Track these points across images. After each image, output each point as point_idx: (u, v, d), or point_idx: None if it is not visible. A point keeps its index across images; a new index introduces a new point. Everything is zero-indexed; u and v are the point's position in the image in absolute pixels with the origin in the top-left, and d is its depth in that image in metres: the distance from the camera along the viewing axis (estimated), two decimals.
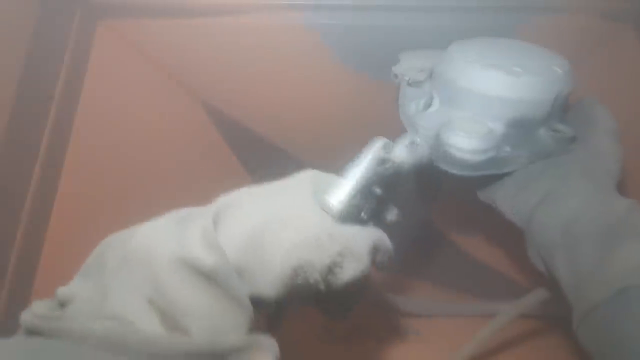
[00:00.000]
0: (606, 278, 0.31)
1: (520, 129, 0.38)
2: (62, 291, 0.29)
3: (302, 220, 0.31)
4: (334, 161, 0.59)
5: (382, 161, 0.35)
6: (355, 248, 0.31)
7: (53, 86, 0.47)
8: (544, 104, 0.37)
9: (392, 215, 0.37)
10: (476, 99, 0.37)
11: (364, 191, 0.34)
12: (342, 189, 0.33)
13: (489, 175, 0.38)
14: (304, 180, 0.34)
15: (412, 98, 0.42)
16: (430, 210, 0.58)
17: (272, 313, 0.33)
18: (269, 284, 0.29)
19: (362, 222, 0.34)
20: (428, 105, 0.41)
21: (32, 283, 0.44)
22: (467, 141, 0.36)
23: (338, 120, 0.56)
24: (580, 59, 0.51)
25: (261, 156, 0.59)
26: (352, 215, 0.33)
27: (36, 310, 0.28)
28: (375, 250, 0.33)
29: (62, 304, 0.29)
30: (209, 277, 0.28)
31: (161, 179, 0.54)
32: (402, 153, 0.37)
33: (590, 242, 0.33)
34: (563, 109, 0.40)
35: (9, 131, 0.43)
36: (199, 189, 0.56)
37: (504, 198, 0.39)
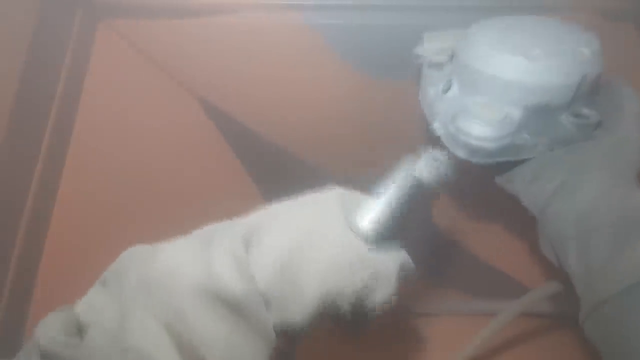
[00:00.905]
0: (617, 273, 0.30)
1: (541, 114, 0.36)
2: (82, 310, 0.28)
3: (333, 245, 0.30)
4: (334, 160, 0.59)
5: (415, 182, 0.34)
6: (384, 272, 0.31)
7: (54, 86, 0.47)
8: (567, 88, 0.35)
9: (407, 231, 0.36)
10: (493, 84, 0.36)
11: (394, 212, 0.33)
12: (374, 212, 0.32)
13: (505, 161, 0.37)
14: (331, 199, 0.33)
15: (432, 81, 0.40)
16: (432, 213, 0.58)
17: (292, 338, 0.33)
18: (299, 311, 0.29)
19: (387, 240, 0.33)
20: (447, 89, 0.39)
21: (33, 284, 0.44)
22: (482, 129, 0.35)
23: (339, 119, 0.56)
24: None
25: (262, 155, 0.59)
26: (380, 235, 0.32)
27: (52, 332, 0.27)
28: (402, 272, 0.33)
29: (80, 326, 0.28)
30: (235, 306, 0.27)
31: (161, 179, 0.54)
32: (426, 172, 0.35)
33: (604, 235, 0.32)
34: (591, 91, 0.37)
35: (9, 131, 0.43)
36: (199, 189, 0.56)
37: (520, 185, 0.38)
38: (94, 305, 0.29)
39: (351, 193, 0.34)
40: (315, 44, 0.52)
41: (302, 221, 0.31)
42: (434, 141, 0.38)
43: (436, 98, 0.39)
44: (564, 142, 0.36)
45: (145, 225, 0.50)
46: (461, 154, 0.36)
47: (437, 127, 0.38)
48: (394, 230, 0.33)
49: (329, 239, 0.30)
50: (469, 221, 0.57)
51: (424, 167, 0.35)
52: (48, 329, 0.28)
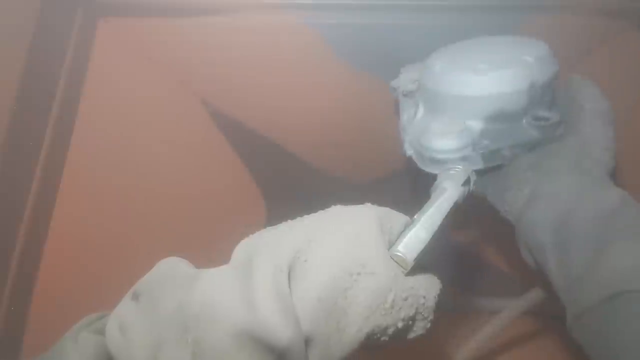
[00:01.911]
0: (597, 282, 0.30)
1: (500, 122, 0.38)
2: (113, 337, 0.27)
3: (376, 280, 0.28)
4: (334, 160, 0.59)
5: (455, 206, 0.33)
6: (425, 307, 0.30)
7: (54, 84, 0.47)
8: (518, 95, 0.38)
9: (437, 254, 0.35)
10: (450, 101, 0.39)
11: (435, 238, 0.31)
12: (417, 240, 0.30)
13: (477, 171, 0.39)
14: (369, 220, 0.30)
15: (405, 108, 0.44)
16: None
17: None
18: (340, 350, 0.28)
19: (423, 267, 0.32)
20: (415, 113, 0.43)
21: (33, 286, 0.44)
22: (442, 142, 0.38)
23: (339, 119, 0.56)
24: (580, 58, 0.52)
25: (262, 155, 0.59)
26: (418, 263, 0.31)
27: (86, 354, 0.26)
28: (439, 302, 0.31)
29: (113, 356, 0.27)
30: (274, 346, 0.25)
31: (162, 178, 0.54)
32: (462, 194, 0.36)
33: (581, 242, 0.32)
34: (546, 94, 0.39)
35: (10, 129, 0.43)
36: (200, 189, 0.56)
37: (493, 194, 0.39)
38: (124, 328, 0.27)
39: (388, 212, 0.32)
40: (315, 44, 0.52)
41: (341, 247, 0.29)
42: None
43: (408, 122, 0.43)
44: (528, 145, 0.38)
45: (146, 225, 0.50)
46: (429, 168, 0.39)
47: (407, 147, 0.41)
48: (430, 257, 0.32)
49: (370, 270, 0.28)
50: (468, 220, 0.57)
51: (462, 189, 0.35)
52: (79, 352, 0.27)
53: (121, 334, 0.27)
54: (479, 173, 0.39)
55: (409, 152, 0.41)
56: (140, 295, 0.28)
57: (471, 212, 0.55)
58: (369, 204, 0.32)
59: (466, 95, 0.38)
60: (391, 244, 0.30)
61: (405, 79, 0.46)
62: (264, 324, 0.25)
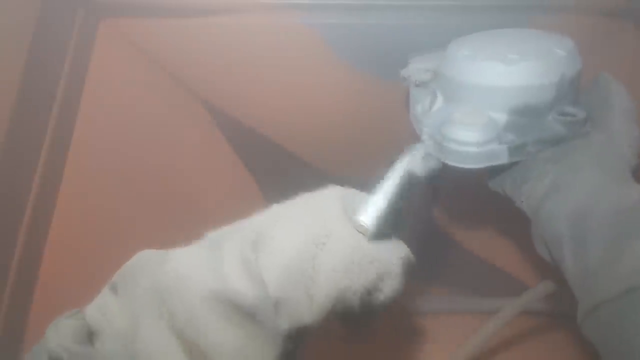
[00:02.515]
0: (615, 275, 0.30)
1: (526, 116, 0.37)
2: (92, 316, 0.28)
3: (339, 245, 0.30)
4: (335, 160, 0.59)
5: (409, 175, 0.35)
6: (391, 269, 0.31)
7: (55, 85, 0.47)
8: (547, 88, 0.36)
9: (403, 224, 0.37)
10: (475, 91, 0.37)
11: (393, 206, 0.33)
12: (375, 208, 0.33)
13: (498, 165, 0.37)
14: (333, 198, 0.33)
15: (419, 99, 0.42)
16: (431, 211, 0.58)
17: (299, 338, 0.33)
18: (310, 313, 0.29)
19: (387, 236, 0.34)
20: (432, 103, 0.41)
21: (33, 285, 0.44)
22: (466, 133, 0.36)
23: (339, 119, 0.56)
24: (585, 58, 0.51)
25: (262, 155, 0.60)
26: (381, 231, 0.33)
27: (63, 338, 0.27)
28: (405, 267, 0.33)
29: (91, 332, 0.28)
30: (245, 309, 0.27)
31: (163, 178, 0.54)
32: (418, 165, 0.36)
33: (600, 236, 0.32)
34: (574, 89, 0.38)
35: (10, 130, 0.43)
36: (200, 189, 0.56)
37: (512, 187, 0.39)
38: (104, 310, 0.29)
39: (351, 191, 0.34)
40: (315, 44, 0.52)
41: (306, 222, 0.31)
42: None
43: (423, 113, 0.41)
44: (554, 141, 0.37)
45: (147, 225, 0.50)
46: (450, 161, 0.37)
47: (425, 139, 0.39)
48: (395, 225, 0.34)
49: (334, 238, 0.30)
50: (468, 221, 0.57)
51: (416, 160, 0.36)
52: (59, 333, 0.28)
53: (100, 313, 0.29)
54: (498, 168, 0.38)
55: (428, 143, 0.39)
56: (117, 284, 0.30)
57: (474, 210, 0.55)
58: (332, 185, 0.34)
59: (492, 85, 0.36)
60: (353, 216, 0.32)
61: (418, 69, 0.44)
62: (230, 286, 0.27)
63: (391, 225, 0.34)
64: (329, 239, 0.30)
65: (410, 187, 0.35)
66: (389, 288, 0.31)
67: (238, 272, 0.28)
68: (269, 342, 0.28)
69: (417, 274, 0.34)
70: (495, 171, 0.40)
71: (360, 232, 0.32)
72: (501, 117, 0.37)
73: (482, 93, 0.37)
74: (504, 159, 0.37)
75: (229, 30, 0.52)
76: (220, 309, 0.27)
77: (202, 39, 0.52)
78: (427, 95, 0.42)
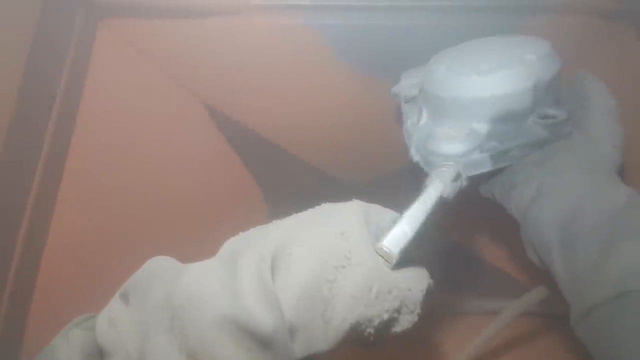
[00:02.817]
0: (604, 280, 0.30)
1: (507, 122, 0.38)
2: (102, 328, 0.28)
3: (360, 271, 0.29)
4: (335, 160, 0.59)
5: (441, 201, 0.33)
6: (411, 300, 0.30)
7: (54, 86, 0.47)
8: (524, 94, 0.37)
9: (426, 249, 0.35)
10: (454, 105, 0.39)
11: (420, 233, 0.31)
12: (402, 235, 0.31)
13: (486, 172, 0.38)
14: (355, 216, 0.31)
15: (409, 114, 0.44)
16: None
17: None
18: (325, 340, 0.28)
19: (410, 261, 0.32)
20: (419, 118, 0.42)
21: (33, 287, 0.44)
22: (448, 146, 0.37)
23: (340, 120, 0.57)
24: (580, 59, 0.52)
25: (263, 156, 0.60)
26: (406, 258, 0.31)
27: (74, 353, 0.27)
28: (426, 296, 0.32)
29: (101, 350, 0.28)
30: (259, 335, 0.26)
31: (162, 179, 0.54)
32: (447, 189, 0.35)
33: (587, 240, 0.32)
34: (554, 91, 0.39)
35: (10, 130, 0.43)
36: (201, 190, 0.56)
37: (501, 192, 0.39)
38: (114, 322, 0.28)
39: (374, 208, 0.32)
40: (315, 45, 0.52)
41: (327, 241, 0.29)
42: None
43: (412, 128, 0.42)
44: (537, 144, 0.38)
45: (147, 227, 0.50)
46: None
47: (413, 153, 0.40)
48: (418, 250, 0.32)
49: (355, 263, 0.29)
50: (468, 222, 0.57)
51: (447, 184, 0.34)
52: (69, 346, 0.27)
53: (110, 326, 0.28)
54: (488, 174, 0.39)
55: (416, 157, 0.40)
56: (128, 293, 0.29)
57: (474, 211, 0.55)
58: (356, 200, 0.32)
59: (469, 97, 0.38)
60: (377, 239, 0.30)
61: (407, 85, 0.45)
62: (248, 313, 0.26)
63: (415, 250, 0.32)
64: (349, 262, 0.29)
65: (437, 212, 0.33)
66: (406, 320, 0.30)
67: (254, 297, 0.26)
68: None
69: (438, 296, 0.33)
70: (485, 178, 0.41)
71: (383, 258, 0.30)
72: (482, 127, 0.38)
73: (462, 105, 0.38)
74: (487, 167, 0.38)
75: (228, 31, 0.52)
76: (235, 335, 0.26)
77: (201, 40, 0.52)
78: (415, 111, 0.43)
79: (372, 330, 0.29)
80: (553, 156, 0.37)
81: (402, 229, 0.31)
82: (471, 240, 0.59)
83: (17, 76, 0.44)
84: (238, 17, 0.51)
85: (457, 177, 0.35)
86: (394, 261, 0.30)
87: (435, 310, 0.57)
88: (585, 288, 0.31)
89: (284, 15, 0.51)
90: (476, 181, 0.40)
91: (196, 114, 0.56)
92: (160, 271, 0.29)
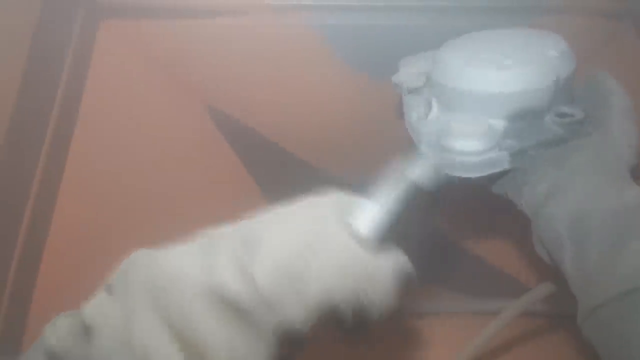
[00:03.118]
0: (614, 276, 0.30)
1: (524, 120, 0.37)
2: (89, 313, 0.29)
3: (332, 250, 0.30)
4: (335, 160, 0.59)
5: (410, 184, 0.34)
6: (384, 282, 0.31)
7: (55, 86, 0.47)
8: (544, 91, 0.36)
9: (405, 234, 0.36)
10: (471, 99, 0.37)
11: (391, 215, 0.33)
12: (371, 215, 0.32)
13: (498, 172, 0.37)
14: (330, 203, 0.33)
15: (413, 106, 0.41)
16: (434, 217, 0.58)
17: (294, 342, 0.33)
18: (300, 315, 0.29)
19: (386, 244, 0.33)
20: (428, 112, 0.40)
21: (34, 286, 0.44)
22: (466, 143, 0.36)
23: (340, 120, 0.57)
24: (581, 59, 0.51)
25: (262, 155, 0.60)
26: (378, 239, 0.32)
27: (61, 334, 0.28)
28: (400, 275, 0.33)
29: (88, 329, 0.29)
30: (237, 307, 0.28)
31: (163, 179, 0.54)
32: (420, 174, 0.35)
33: (599, 237, 0.32)
34: (569, 90, 0.38)
35: (11, 131, 0.43)
36: (201, 190, 0.56)
37: (513, 189, 0.39)
38: (100, 308, 0.30)
39: (349, 196, 0.34)
40: (315, 44, 0.52)
41: (301, 225, 0.31)
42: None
43: (419, 122, 0.40)
44: (553, 143, 0.37)
45: (147, 226, 0.50)
46: (453, 171, 0.37)
47: (425, 149, 0.38)
48: (393, 234, 0.33)
49: (328, 243, 0.31)
50: (468, 222, 0.57)
51: (418, 168, 0.35)
52: (56, 330, 0.29)
53: (97, 311, 0.29)
54: (498, 174, 0.38)
55: (428, 154, 0.38)
56: (112, 284, 0.31)
57: (474, 211, 0.55)
58: (333, 190, 0.34)
59: (489, 92, 0.36)
60: (350, 222, 0.32)
61: (409, 74, 0.43)
62: (225, 286, 0.28)
63: (392, 235, 0.33)
64: (322, 244, 0.30)
65: (413, 197, 0.34)
66: (381, 301, 0.31)
67: (231, 271, 0.28)
68: (261, 340, 0.29)
69: (419, 277, 0.34)
70: (497, 175, 0.39)
71: (355, 240, 0.31)
72: (499, 124, 0.37)
73: (479, 100, 0.37)
74: (505, 165, 0.37)
75: (228, 31, 0.52)
76: (213, 305, 0.28)
77: (202, 40, 0.52)
78: (421, 102, 0.41)
79: (348, 311, 0.30)
80: (568, 155, 0.36)
81: (371, 210, 0.32)
82: (471, 240, 0.59)
83: (18, 76, 0.44)
84: (238, 17, 0.51)
85: (429, 163, 0.36)
86: (366, 243, 0.31)
87: (432, 308, 0.57)
88: (595, 285, 0.31)
89: (284, 15, 0.51)
90: (485, 179, 0.39)
91: (196, 113, 0.56)
92: (139, 260, 0.31)
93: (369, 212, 0.32)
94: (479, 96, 0.37)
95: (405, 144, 0.43)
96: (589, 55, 0.51)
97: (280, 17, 0.51)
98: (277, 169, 0.60)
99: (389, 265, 0.32)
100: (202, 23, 0.52)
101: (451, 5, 0.51)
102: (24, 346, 0.42)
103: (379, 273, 0.31)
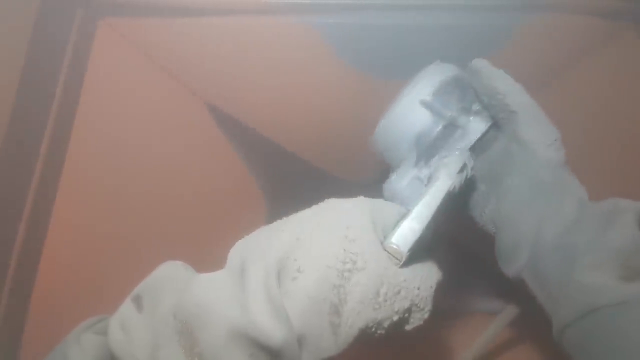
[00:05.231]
0: (570, 300, 0.30)
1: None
2: (115, 335, 0.28)
3: (366, 274, 0.28)
4: (335, 160, 0.59)
5: (450, 196, 0.32)
6: (421, 298, 0.30)
7: (54, 85, 0.47)
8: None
9: (436, 243, 0.35)
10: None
11: (429, 228, 0.31)
12: (412, 233, 0.30)
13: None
14: (360, 215, 0.30)
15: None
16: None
17: None
18: (334, 346, 0.28)
19: (419, 257, 0.31)
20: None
21: (32, 286, 0.44)
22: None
23: (339, 119, 0.56)
24: (580, 59, 0.52)
25: (263, 155, 0.60)
26: (414, 254, 0.31)
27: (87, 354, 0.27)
28: (435, 289, 0.32)
29: (113, 353, 0.28)
30: (270, 349, 0.26)
31: (161, 178, 0.54)
32: (458, 184, 0.34)
33: (549, 261, 0.32)
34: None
35: (9, 130, 0.43)
36: (200, 189, 0.56)
37: (476, 212, 0.39)
38: (126, 329, 0.28)
39: (380, 204, 0.32)
40: (315, 43, 0.52)
41: (332, 246, 0.29)
42: None
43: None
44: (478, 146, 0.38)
45: (146, 225, 0.50)
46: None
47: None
48: (427, 244, 0.31)
49: (362, 265, 0.29)
50: (468, 221, 0.57)
51: (456, 177, 0.34)
52: (82, 351, 0.28)
53: (123, 333, 0.28)
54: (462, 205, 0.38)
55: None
56: (141, 298, 0.29)
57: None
58: (362, 197, 0.32)
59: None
60: (385, 236, 0.30)
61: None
62: (256, 325, 0.26)
63: (423, 246, 0.31)
64: (355, 265, 0.28)
65: (446, 205, 0.33)
66: (417, 318, 0.30)
67: (263, 309, 0.27)
68: None
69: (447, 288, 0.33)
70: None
71: (392, 256, 0.29)
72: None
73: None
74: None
75: (228, 30, 0.52)
76: (244, 347, 0.26)
77: (201, 39, 0.52)
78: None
79: (382, 332, 0.29)
80: (498, 175, 0.36)
81: (410, 225, 0.30)
82: (471, 240, 0.59)
83: (16, 75, 0.43)
84: (237, 15, 0.51)
85: (463, 167, 0.34)
86: (402, 259, 0.29)
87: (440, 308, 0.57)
88: (558, 307, 0.31)
89: (284, 14, 0.51)
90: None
91: (195, 113, 0.56)
92: (171, 278, 0.29)
93: (408, 229, 0.30)
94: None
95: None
96: (588, 55, 0.51)
97: (281, 16, 0.51)
98: (277, 168, 0.60)
99: (429, 285, 0.31)
100: (201, 21, 0.51)
101: (451, 4, 0.51)
102: (23, 346, 0.42)
103: (418, 297, 0.30)
